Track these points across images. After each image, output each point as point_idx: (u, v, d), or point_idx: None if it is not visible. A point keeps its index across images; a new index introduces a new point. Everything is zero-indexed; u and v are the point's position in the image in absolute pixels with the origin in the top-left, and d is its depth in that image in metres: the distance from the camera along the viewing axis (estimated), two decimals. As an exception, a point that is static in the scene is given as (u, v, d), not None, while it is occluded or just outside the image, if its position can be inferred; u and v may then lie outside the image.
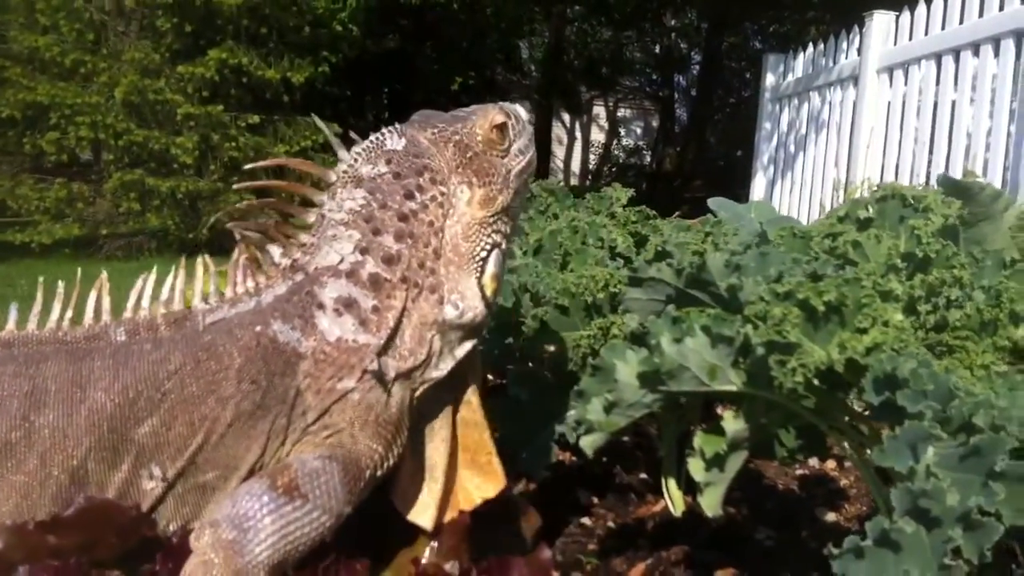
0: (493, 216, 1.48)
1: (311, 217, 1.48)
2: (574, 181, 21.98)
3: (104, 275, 1.45)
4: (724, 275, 1.65)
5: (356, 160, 1.49)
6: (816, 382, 1.44)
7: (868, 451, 1.47)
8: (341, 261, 1.42)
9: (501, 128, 1.52)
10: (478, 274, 1.47)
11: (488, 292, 1.47)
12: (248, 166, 1.65)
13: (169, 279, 1.45)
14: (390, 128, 1.52)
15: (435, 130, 1.52)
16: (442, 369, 1.47)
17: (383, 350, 1.41)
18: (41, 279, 1.45)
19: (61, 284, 1.45)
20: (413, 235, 1.44)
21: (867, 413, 1.36)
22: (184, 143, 10.23)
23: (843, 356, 1.32)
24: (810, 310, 1.37)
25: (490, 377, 2.80)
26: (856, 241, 1.66)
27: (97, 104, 10.14)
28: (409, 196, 1.45)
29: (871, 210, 1.78)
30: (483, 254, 1.47)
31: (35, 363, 1.36)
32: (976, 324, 1.45)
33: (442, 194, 1.47)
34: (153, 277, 1.45)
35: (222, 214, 1.80)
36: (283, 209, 1.50)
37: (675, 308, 1.69)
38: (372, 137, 1.51)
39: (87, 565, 1.21)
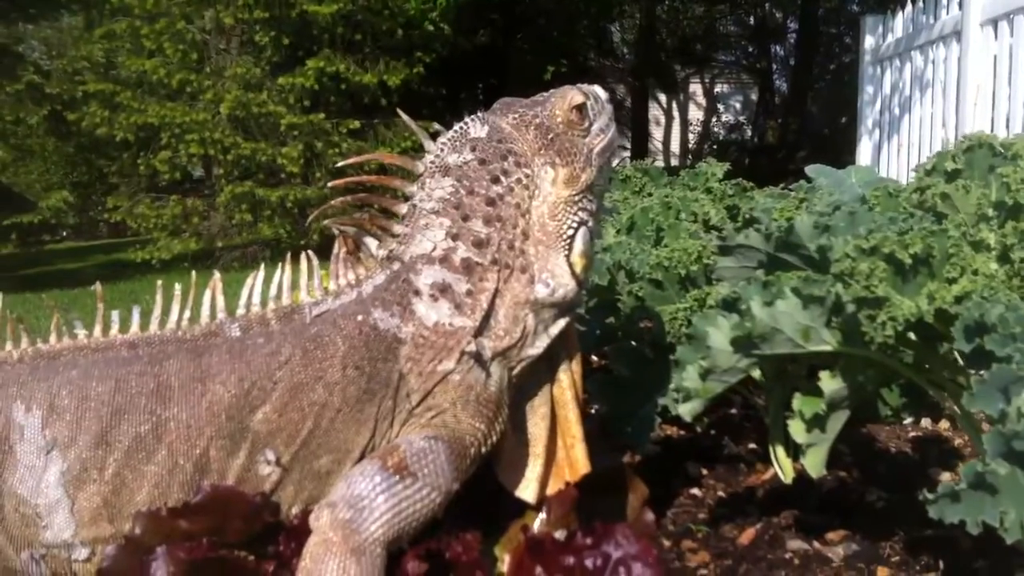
0: (578, 194, 1.52)
1: (403, 208, 1.55)
2: (674, 161, 21.82)
3: (217, 275, 1.54)
4: (813, 236, 1.66)
5: (442, 150, 1.55)
6: (912, 336, 1.45)
7: (967, 402, 1.46)
8: (434, 248, 1.49)
9: (580, 108, 1.55)
10: (566, 252, 1.51)
11: (578, 269, 1.51)
12: (339, 164, 1.72)
13: (276, 276, 1.54)
14: (473, 117, 1.57)
15: (516, 115, 1.57)
16: (538, 347, 1.52)
17: (479, 331, 1.47)
18: (160, 282, 1.55)
19: (178, 287, 1.55)
20: (501, 218, 1.49)
21: (960, 362, 1.36)
22: (290, 153, 10.51)
23: (932, 307, 1.33)
24: (897, 263, 1.38)
25: (594, 358, 2.84)
26: (944, 193, 1.65)
27: (204, 121, 10.49)
28: (495, 180, 1.50)
29: (959, 161, 1.76)
30: (570, 232, 1.51)
31: (159, 361, 1.48)
32: (1072, 269, 1.43)
33: (527, 176, 1.51)
34: (262, 276, 1.55)
35: (319, 212, 1.89)
36: (376, 203, 1.57)
37: (765, 273, 1.70)
38: (456, 127, 1.56)
39: (218, 546, 1.30)
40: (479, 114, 1.58)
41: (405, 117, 1.63)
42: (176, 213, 10.98)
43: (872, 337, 1.37)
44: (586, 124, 1.56)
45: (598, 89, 1.65)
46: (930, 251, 1.38)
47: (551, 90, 1.62)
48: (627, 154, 16.28)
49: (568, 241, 1.51)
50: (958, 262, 1.37)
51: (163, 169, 10.85)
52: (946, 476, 2.17)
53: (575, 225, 1.52)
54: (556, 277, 1.49)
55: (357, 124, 11.03)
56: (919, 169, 1.88)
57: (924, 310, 1.34)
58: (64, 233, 18.63)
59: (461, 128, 1.56)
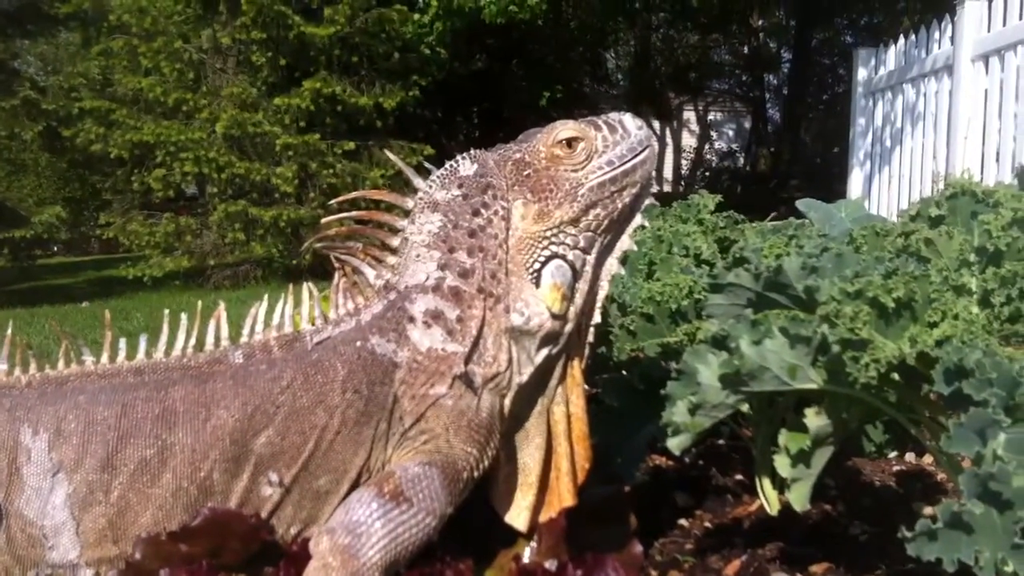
0: (550, 229, 1.55)
1: (395, 241, 1.60)
2: (667, 188, 21.89)
3: (222, 305, 1.60)
4: (801, 277, 1.70)
5: (431, 187, 1.60)
6: (895, 376, 1.49)
7: (947, 441, 1.51)
8: (427, 278, 1.55)
9: (570, 143, 1.57)
10: (535, 285, 1.55)
11: (548, 302, 1.54)
12: (333, 201, 1.77)
13: (279, 306, 1.59)
14: (464, 155, 1.62)
15: (502, 150, 1.62)
16: (523, 375, 1.56)
17: (469, 357, 1.52)
18: (167, 312, 1.60)
19: (184, 317, 1.60)
20: (483, 248, 1.54)
21: (939, 404, 1.41)
22: (284, 173, 10.58)
23: (914, 350, 1.37)
24: (880, 307, 1.43)
25: (585, 387, 2.88)
26: (928, 239, 1.70)
27: (199, 140, 10.57)
28: (476, 213, 1.55)
29: (942, 207, 1.82)
30: (536, 266, 1.55)
31: (164, 387, 1.52)
32: (1050, 313, 1.48)
33: (504, 208, 1.56)
34: (265, 305, 1.60)
35: (317, 238, 1.95)
36: (371, 234, 1.62)
37: (754, 312, 1.75)
38: (447, 164, 1.62)
39: (216, 568, 1.33)
40: (472, 152, 1.63)
41: (396, 159, 1.71)
42: (169, 231, 11.03)
43: (856, 377, 1.41)
44: (579, 158, 1.57)
45: (625, 119, 1.64)
46: (912, 295, 1.43)
47: (561, 120, 1.64)
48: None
49: (535, 275, 1.55)
50: (939, 307, 1.42)
51: (157, 187, 10.91)
52: (929, 510, 2.21)
53: (543, 260, 1.55)
54: (530, 307, 1.54)
55: (352, 145, 11.11)
56: (903, 215, 1.93)
57: (906, 353, 1.38)
58: (55, 248, 18.63)
59: (451, 166, 1.61)
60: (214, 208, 10.93)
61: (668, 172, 24.02)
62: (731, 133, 25.78)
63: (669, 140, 24.24)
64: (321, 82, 10.85)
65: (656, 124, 23.14)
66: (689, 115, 24.59)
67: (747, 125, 23.96)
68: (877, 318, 1.44)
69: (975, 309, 1.55)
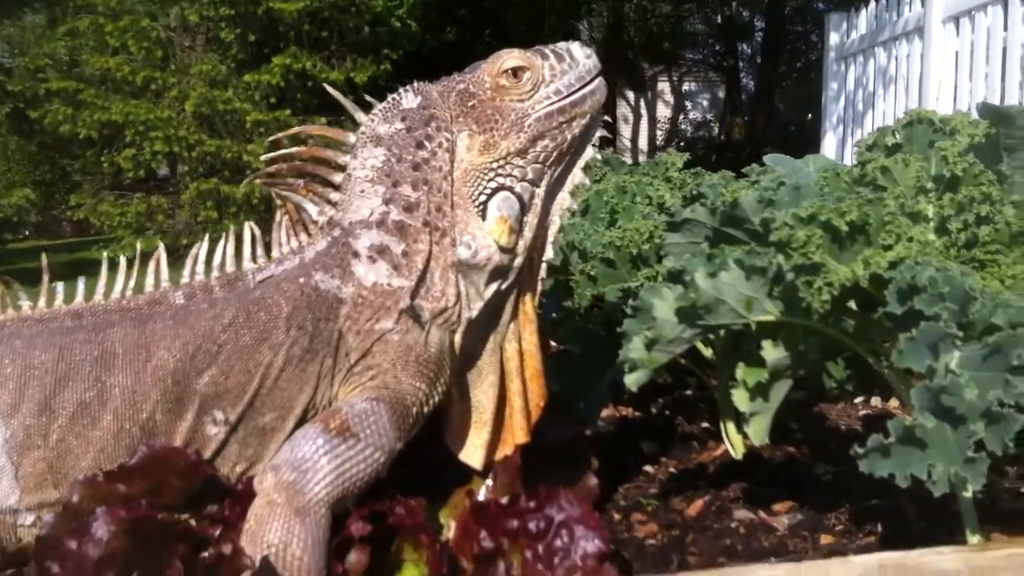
0: (496, 161, 1.52)
1: (338, 177, 1.57)
2: (642, 158, 21.84)
3: (161, 247, 1.56)
4: (757, 210, 1.68)
5: (373, 121, 1.57)
6: (851, 305, 1.47)
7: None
8: (371, 214, 1.52)
9: (515, 72, 1.54)
10: (482, 218, 1.52)
11: (495, 235, 1.51)
12: (272, 138, 1.73)
13: (220, 246, 1.55)
14: (406, 88, 1.59)
15: (446, 81, 1.59)
16: (473, 310, 1.54)
17: (415, 292, 1.49)
18: (105, 254, 1.56)
19: (123, 259, 1.56)
20: (427, 181, 1.52)
21: (892, 326, 1.38)
22: (255, 150, 10.45)
23: (867, 272, 1.35)
24: (834, 231, 1.40)
25: (553, 344, 2.85)
26: (884, 167, 1.67)
27: (169, 118, 10.43)
28: (420, 146, 1.53)
29: (899, 136, 1.79)
30: (482, 198, 1.52)
31: (103, 329, 1.48)
32: (1005, 237, 1.47)
33: (448, 140, 1.53)
34: (206, 247, 1.56)
35: (254, 176, 1.94)
36: (312, 171, 1.58)
37: (711, 247, 1.72)
38: (389, 98, 1.59)
39: (158, 507, 1.30)
40: (415, 84, 1.59)
41: (335, 92, 1.66)
42: (140, 211, 10.91)
43: (810, 303, 1.39)
44: (525, 88, 1.54)
45: (574, 47, 1.60)
46: (866, 219, 1.41)
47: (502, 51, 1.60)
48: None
49: (481, 208, 1.52)
50: (894, 229, 1.40)
51: (127, 167, 10.76)
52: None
53: (488, 192, 1.53)
54: (476, 240, 1.51)
55: (323, 121, 10.98)
56: (860, 144, 1.91)
57: (860, 275, 1.36)
58: (26, 232, 18.44)
59: (393, 99, 1.59)
60: (186, 187, 10.81)
61: (643, 143, 23.98)
62: (705, 103, 25.75)
63: (644, 111, 24.20)
64: (291, 58, 10.72)
65: (630, 95, 23.12)
66: (663, 86, 24.55)
67: (721, 95, 23.95)
68: (831, 243, 1.42)
69: (931, 236, 1.54)
